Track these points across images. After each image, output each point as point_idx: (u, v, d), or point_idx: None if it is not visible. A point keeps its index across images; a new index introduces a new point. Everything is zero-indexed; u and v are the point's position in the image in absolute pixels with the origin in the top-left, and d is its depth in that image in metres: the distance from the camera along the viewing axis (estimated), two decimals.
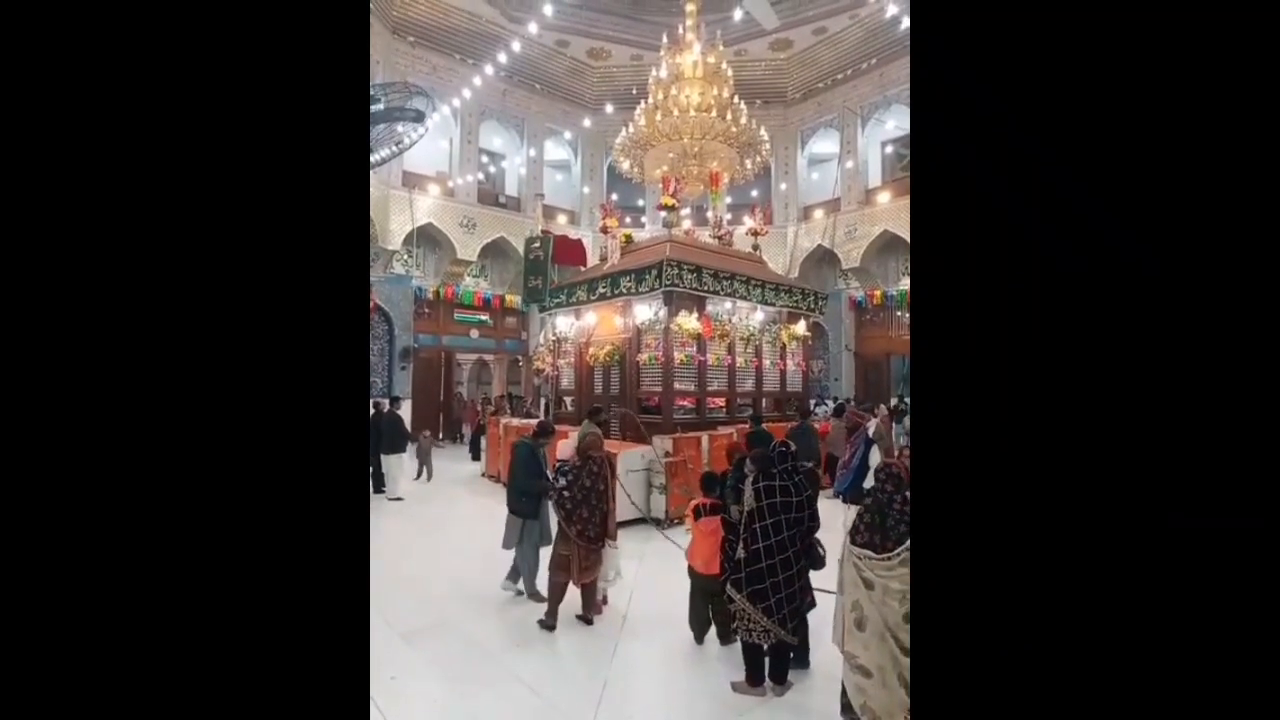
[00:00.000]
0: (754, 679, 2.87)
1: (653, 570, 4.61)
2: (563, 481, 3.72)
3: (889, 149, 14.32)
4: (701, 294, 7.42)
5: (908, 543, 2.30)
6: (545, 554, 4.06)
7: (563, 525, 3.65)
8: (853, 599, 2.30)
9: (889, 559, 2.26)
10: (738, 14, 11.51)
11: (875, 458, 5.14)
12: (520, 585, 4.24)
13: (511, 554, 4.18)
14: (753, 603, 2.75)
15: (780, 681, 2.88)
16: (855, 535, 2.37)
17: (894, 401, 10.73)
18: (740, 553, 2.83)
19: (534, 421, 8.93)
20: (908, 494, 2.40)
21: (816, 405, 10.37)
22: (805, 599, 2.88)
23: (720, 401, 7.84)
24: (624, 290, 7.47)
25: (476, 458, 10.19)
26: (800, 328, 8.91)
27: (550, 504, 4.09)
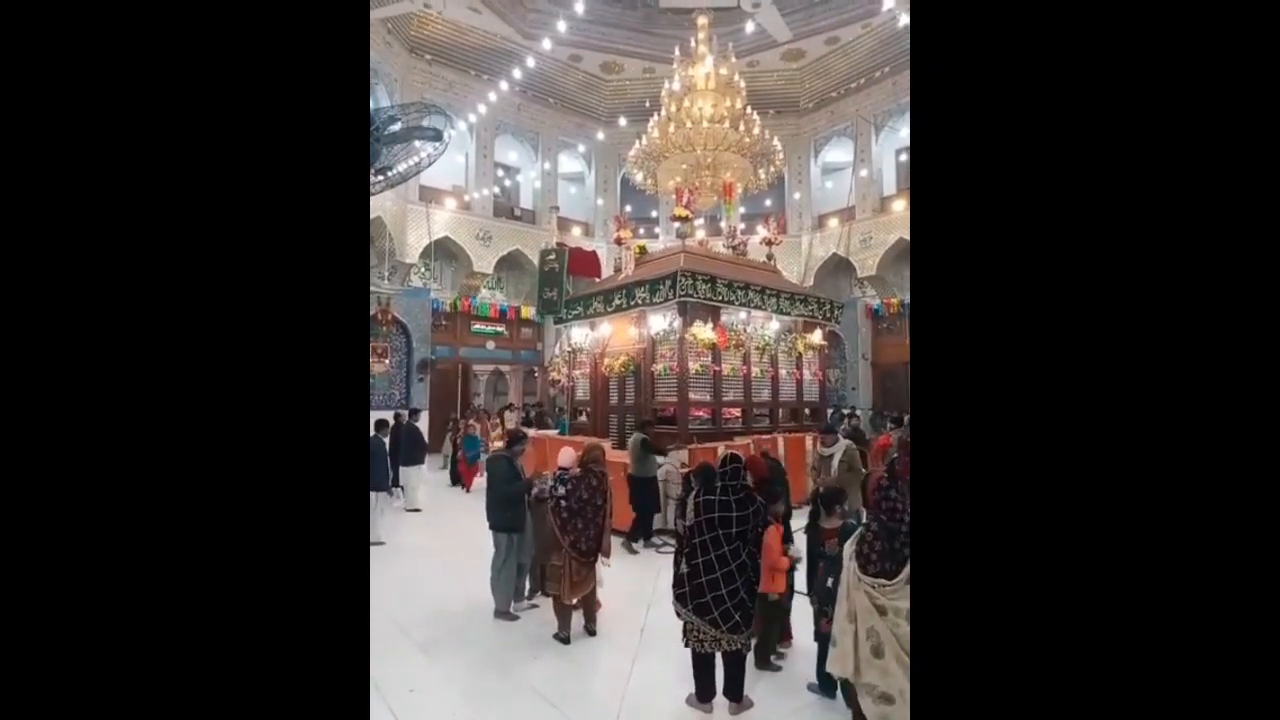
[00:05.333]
0: (702, 693, 2.81)
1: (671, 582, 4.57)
2: (561, 490, 3.70)
3: (903, 157, 14.23)
4: (716, 304, 7.41)
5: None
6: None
7: (556, 535, 3.63)
8: (868, 626, 2.27)
9: (897, 582, 2.26)
10: (749, 26, 11.57)
11: None
12: (532, 600, 4.23)
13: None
14: (698, 616, 2.73)
15: (736, 698, 2.78)
16: (867, 565, 2.34)
17: None
18: (683, 567, 2.82)
19: (550, 433, 8.99)
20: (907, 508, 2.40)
21: (833, 415, 10.22)
22: (755, 603, 2.82)
23: (736, 412, 7.80)
24: (638, 301, 7.48)
25: (455, 481, 9.29)
26: (816, 337, 8.85)
27: (534, 515, 4.06)
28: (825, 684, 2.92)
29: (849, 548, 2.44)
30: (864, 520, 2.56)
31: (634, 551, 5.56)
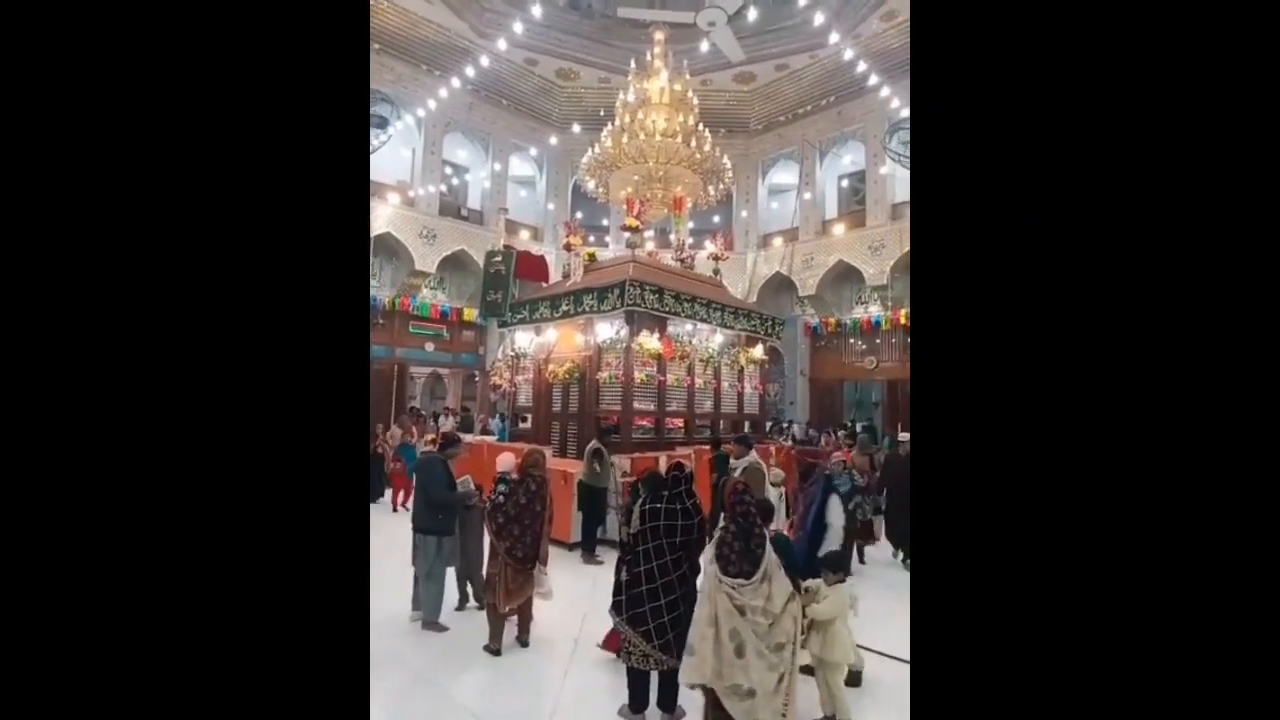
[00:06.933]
0: (635, 704, 2.81)
1: (607, 593, 4.52)
2: (502, 488, 3.61)
3: (845, 183, 14.94)
4: (663, 315, 7.48)
5: (764, 562, 2.41)
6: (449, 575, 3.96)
7: (493, 541, 3.55)
8: (730, 628, 2.33)
9: (753, 582, 2.36)
10: (704, 45, 11.87)
11: (838, 512, 3.88)
12: (461, 608, 4.10)
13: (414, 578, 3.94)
14: (632, 626, 2.72)
15: (669, 709, 2.80)
16: (728, 566, 2.41)
17: (855, 426, 10.93)
18: (623, 575, 2.82)
19: (490, 439, 8.74)
20: (763, 516, 2.59)
21: (771, 428, 10.48)
22: (690, 622, 2.78)
23: (679, 422, 7.87)
24: (586, 308, 7.45)
25: (376, 495, 8.13)
26: (758, 351, 9.08)
27: (461, 523, 3.99)
28: None
29: (709, 551, 2.51)
30: (721, 524, 2.65)
31: (599, 562, 5.48)
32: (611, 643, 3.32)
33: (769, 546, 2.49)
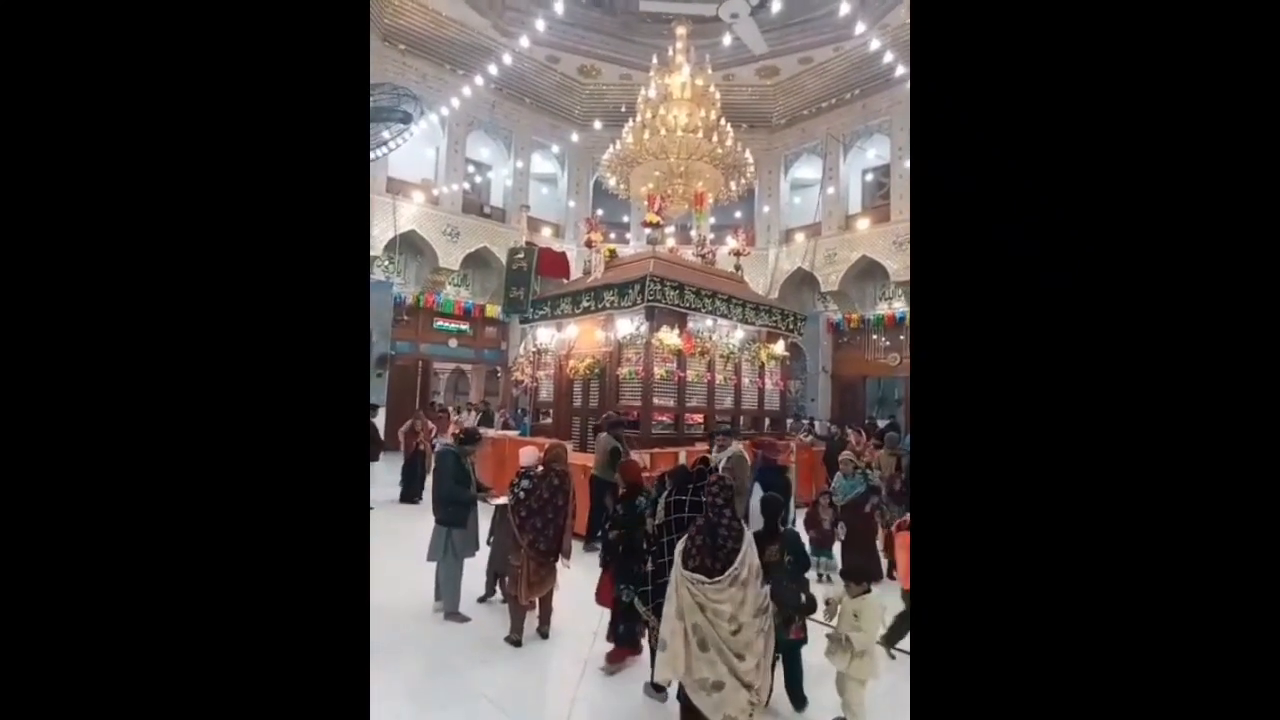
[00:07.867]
0: (657, 685, 2.85)
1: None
2: (526, 483, 3.63)
3: (869, 177, 14.68)
4: (683, 310, 7.47)
5: (734, 564, 2.30)
6: (468, 566, 4.00)
7: (515, 534, 3.58)
8: (693, 622, 2.28)
9: (719, 582, 2.28)
10: (727, 39, 11.77)
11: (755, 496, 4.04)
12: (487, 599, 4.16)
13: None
14: (657, 615, 2.70)
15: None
16: (688, 559, 2.35)
17: (882, 423, 10.74)
18: (648, 565, 2.83)
19: (512, 434, 8.84)
20: (734, 508, 2.46)
21: (793, 424, 10.38)
22: None
23: (699, 418, 7.85)
24: (607, 304, 7.48)
25: (416, 496, 7.58)
26: (779, 348, 9.00)
27: (499, 523, 4.02)
28: (795, 697, 2.93)
29: (681, 543, 2.46)
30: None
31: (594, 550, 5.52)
32: (616, 657, 3.31)
33: (746, 545, 2.39)
